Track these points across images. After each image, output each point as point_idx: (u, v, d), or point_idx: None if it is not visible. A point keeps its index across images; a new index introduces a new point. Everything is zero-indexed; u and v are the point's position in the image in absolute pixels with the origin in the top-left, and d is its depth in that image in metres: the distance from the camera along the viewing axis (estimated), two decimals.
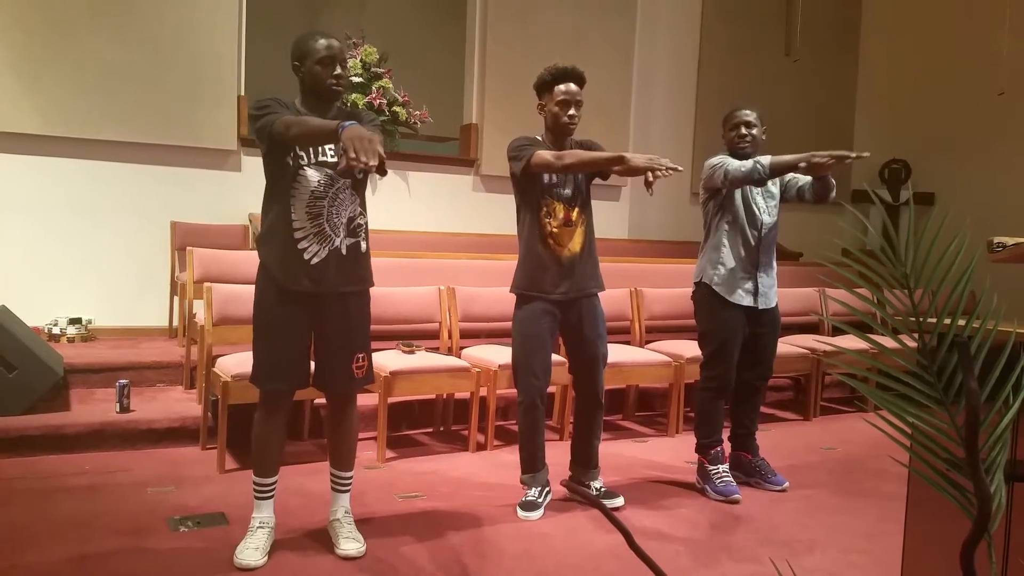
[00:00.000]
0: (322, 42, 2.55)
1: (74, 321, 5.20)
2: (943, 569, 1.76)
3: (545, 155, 3.04)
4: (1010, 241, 1.96)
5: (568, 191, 3.15)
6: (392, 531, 2.92)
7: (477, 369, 3.99)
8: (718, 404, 3.53)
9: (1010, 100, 7.00)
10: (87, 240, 5.49)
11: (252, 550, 2.59)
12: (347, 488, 2.82)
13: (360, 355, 2.71)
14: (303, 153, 2.54)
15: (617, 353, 4.12)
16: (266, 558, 2.60)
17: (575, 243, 3.15)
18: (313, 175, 2.55)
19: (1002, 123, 7.29)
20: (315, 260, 2.57)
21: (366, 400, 3.87)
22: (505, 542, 2.87)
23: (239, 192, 5.78)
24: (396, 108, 6.27)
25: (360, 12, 8.43)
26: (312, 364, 2.75)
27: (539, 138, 3.18)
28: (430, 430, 4.39)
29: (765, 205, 3.49)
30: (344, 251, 2.61)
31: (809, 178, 3.44)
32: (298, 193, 2.55)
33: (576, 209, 3.16)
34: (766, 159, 3.29)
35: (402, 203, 6.44)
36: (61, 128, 5.37)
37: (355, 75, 6.15)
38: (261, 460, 2.69)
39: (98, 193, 5.51)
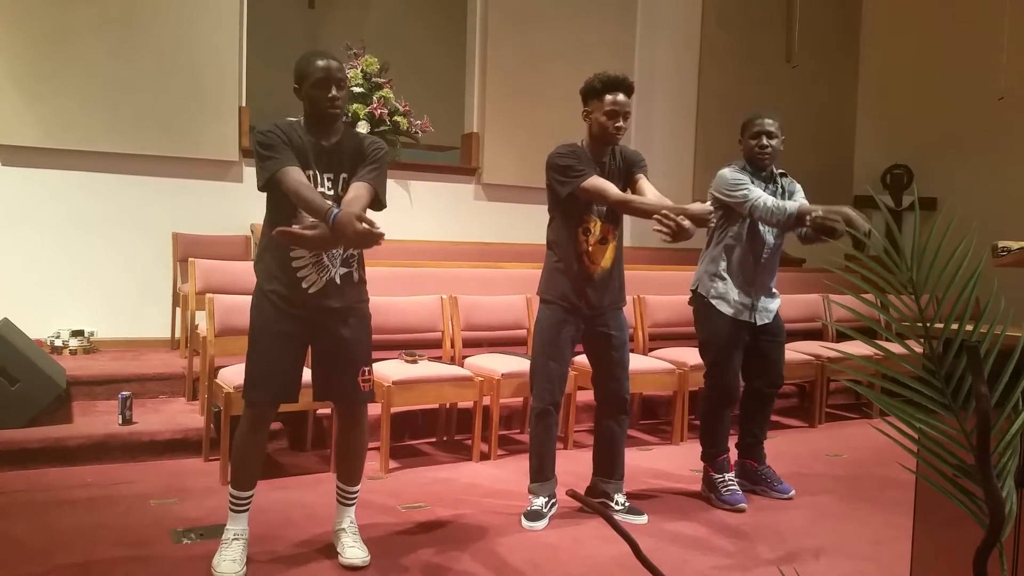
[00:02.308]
0: (318, 64, 2.54)
1: (76, 333, 5.19)
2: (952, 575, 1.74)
3: (599, 185, 3.01)
4: (1015, 245, 1.95)
5: (607, 208, 3.12)
6: (395, 541, 2.91)
7: (480, 378, 3.98)
8: (723, 413, 3.49)
9: (1010, 104, 7.00)
10: (89, 252, 5.49)
11: (230, 562, 2.56)
12: (353, 502, 2.80)
13: (365, 368, 2.71)
14: None
15: None
16: (243, 569, 2.57)
17: (607, 260, 3.16)
18: None
19: (1003, 127, 7.29)
20: (312, 289, 2.59)
21: (369, 410, 3.85)
22: (509, 552, 2.85)
23: (241, 203, 5.78)
24: (397, 118, 6.28)
25: (361, 22, 8.46)
26: (311, 380, 2.75)
27: (580, 143, 3.14)
28: (433, 440, 4.37)
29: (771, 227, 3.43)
30: (338, 280, 2.64)
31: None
32: (298, 224, 2.55)
33: (612, 226, 3.16)
34: (794, 207, 3.24)
35: (404, 212, 6.43)
36: (63, 141, 5.38)
37: (356, 85, 6.16)
38: (239, 473, 2.67)
39: (100, 205, 5.52)
